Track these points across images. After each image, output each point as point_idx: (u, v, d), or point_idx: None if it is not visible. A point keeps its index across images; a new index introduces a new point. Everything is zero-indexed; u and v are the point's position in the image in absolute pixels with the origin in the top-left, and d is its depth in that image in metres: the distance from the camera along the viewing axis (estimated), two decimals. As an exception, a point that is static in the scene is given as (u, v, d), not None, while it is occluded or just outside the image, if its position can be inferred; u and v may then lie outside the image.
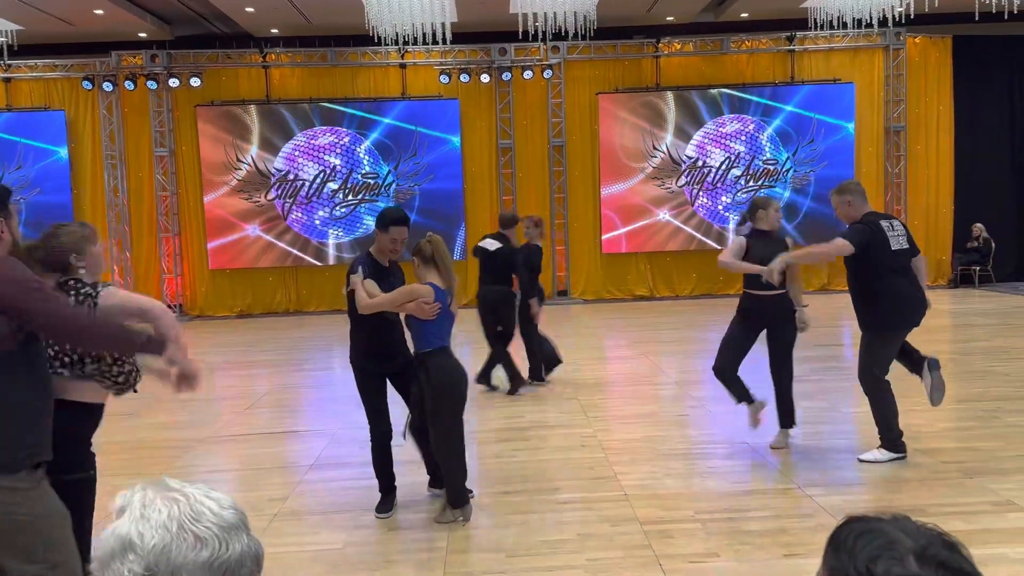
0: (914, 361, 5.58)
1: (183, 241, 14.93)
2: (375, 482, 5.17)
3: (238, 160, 14.59)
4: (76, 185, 14.68)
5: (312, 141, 14.68)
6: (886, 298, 5.19)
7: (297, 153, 14.68)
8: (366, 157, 14.75)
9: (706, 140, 15.00)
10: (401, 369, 4.76)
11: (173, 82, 14.29)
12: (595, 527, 4.41)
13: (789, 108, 14.92)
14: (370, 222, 14.79)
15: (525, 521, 4.60)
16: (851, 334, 11.57)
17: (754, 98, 14.93)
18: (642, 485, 5.04)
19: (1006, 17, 13.18)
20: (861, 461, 5.31)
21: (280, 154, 14.65)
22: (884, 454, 5.31)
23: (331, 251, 14.78)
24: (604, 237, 15.11)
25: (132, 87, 14.31)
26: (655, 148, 14.98)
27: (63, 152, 14.50)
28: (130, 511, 1.10)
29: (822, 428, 6.16)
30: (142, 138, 14.77)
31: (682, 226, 15.07)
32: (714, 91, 14.93)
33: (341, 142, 14.70)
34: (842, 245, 5.11)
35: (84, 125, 14.76)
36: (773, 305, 5.52)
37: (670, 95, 14.92)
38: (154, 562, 1.06)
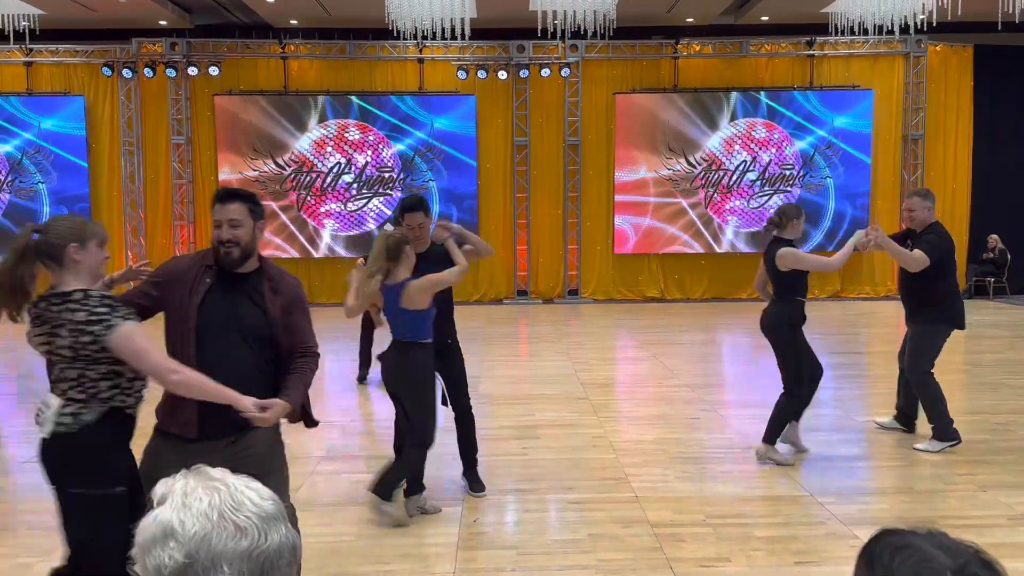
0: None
1: (198, 229, 14.98)
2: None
3: (254, 150, 14.63)
4: (93, 170, 14.75)
5: (328, 133, 14.71)
6: (954, 297, 5.72)
7: (313, 145, 14.71)
8: (381, 151, 14.77)
9: (722, 143, 14.96)
10: (438, 351, 4.72)
11: (192, 70, 14.34)
12: (606, 528, 4.41)
13: (807, 113, 14.85)
14: (377, 216, 14.83)
15: (536, 520, 4.60)
16: (865, 342, 11.54)
17: (772, 102, 14.87)
18: (653, 487, 5.03)
19: (1029, 28, 13.08)
20: (916, 450, 5.64)
21: (296, 145, 14.68)
22: (936, 444, 5.63)
23: (335, 242, 14.80)
24: (616, 237, 15.09)
25: (151, 74, 14.37)
26: (671, 150, 14.95)
27: (82, 137, 14.58)
28: (172, 499, 1.11)
29: (836, 436, 6.14)
30: (160, 125, 14.83)
31: (696, 229, 15.03)
32: (732, 94, 14.88)
33: (357, 135, 14.73)
34: (920, 259, 5.49)
35: (103, 111, 14.83)
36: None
37: (688, 97, 14.87)
38: (195, 549, 1.07)
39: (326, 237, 14.82)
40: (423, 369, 4.45)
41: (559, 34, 13.62)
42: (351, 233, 14.80)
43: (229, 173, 14.61)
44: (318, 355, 3.22)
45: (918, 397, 5.84)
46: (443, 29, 13.03)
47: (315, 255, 14.84)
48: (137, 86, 14.67)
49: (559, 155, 15.11)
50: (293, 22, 14.72)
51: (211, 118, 14.66)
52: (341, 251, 14.79)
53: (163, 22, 14.48)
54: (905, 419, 6.14)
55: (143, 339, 2.76)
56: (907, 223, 5.78)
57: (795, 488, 5.02)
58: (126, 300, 2.96)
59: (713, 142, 14.94)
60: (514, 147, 15.05)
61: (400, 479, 4.54)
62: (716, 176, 14.99)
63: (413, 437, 4.50)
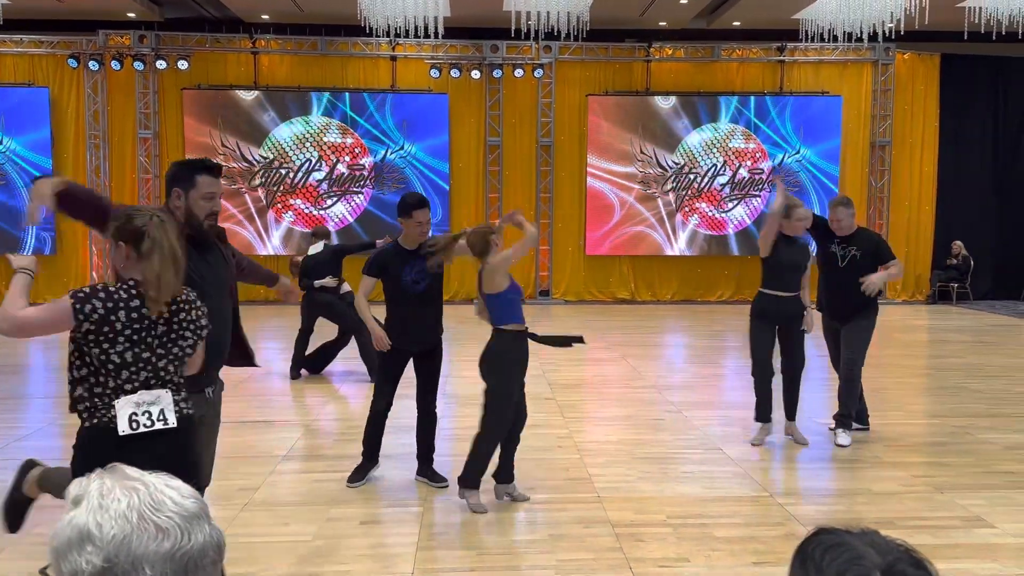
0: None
1: (164, 225, 14.76)
2: (346, 474, 5.15)
3: (223, 145, 14.46)
4: (57, 163, 14.50)
5: (299, 130, 14.58)
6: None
7: (283, 141, 14.57)
8: (352, 148, 14.67)
9: (693, 147, 15.05)
10: (431, 349, 5.01)
11: (160, 64, 14.15)
12: (567, 528, 4.40)
13: (777, 118, 14.99)
14: (340, 222, 14.73)
15: (497, 520, 4.58)
16: (821, 345, 11.65)
17: (743, 107, 14.99)
18: (616, 488, 5.04)
19: (994, 38, 13.31)
20: (840, 446, 5.88)
21: (266, 142, 14.54)
22: (847, 435, 5.97)
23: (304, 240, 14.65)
24: (588, 239, 15.12)
25: (119, 67, 14.15)
26: (643, 152, 15.01)
27: (46, 129, 14.32)
28: (87, 501, 1.07)
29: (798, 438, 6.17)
30: (126, 119, 14.61)
31: (666, 231, 15.11)
32: (703, 98, 14.98)
33: (328, 132, 14.61)
34: (901, 265, 6.10)
35: (68, 103, 14.58)
36: (788, 305, 5.84)
37: (659, 100, 14.95)
38: (114, 553, 1.03)
39: (275, 236, 14.67)
40: (503, 354, 4.56)
41: (533, 35, 13.64)
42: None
43: (197, 168, 14.43)
44: None
45: (847, 389, 5.95)
46: (416, 27, 12.99)
47: (288, 251, 14.71)
48: (104, 79, 14.44)
49: (532, 156, 15.11)
50: (264, 17, 14.58)
51: (179, 113, 14.47)
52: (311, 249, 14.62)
53: (131, 14, 14.27)
54: (859, 417, 6.21)
55: None
56: (837, 231, 5.94)
57: (755, 489, 5.05)
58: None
59: (684, 145, 15.03)
60: (487, 147, 15.02)
61: (481, 468, 4.65)
62: (688, 179, 15.07)
63: (484, 424, 4.65)
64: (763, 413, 5.99)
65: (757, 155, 15.07)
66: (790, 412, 6.02)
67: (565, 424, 6.59)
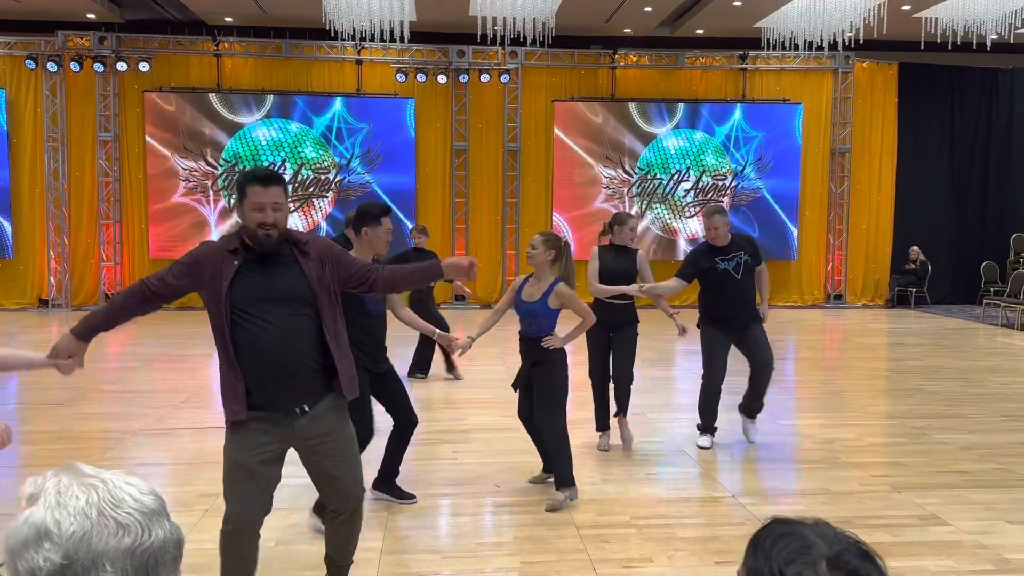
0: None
1: (124, 228, 14.55)
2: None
3: (185, 148, 14.29)
4: (15, 166, 14.21)
5: (263, 133, 14.45)
6: None
7: (246, 144, 14.44)
8: (318, 152, 14.58)
9: (658, 153, 15.19)
10: (385, 370, 4.74)
11: (121, 66, 13.95)
12: (532, 531, 4.41)
13: (740, 125, 15.20)
14: (315, 218, 14.62)
15: (463, 523, 4.58)
16: (794, 348, 11.83)
17: (706, 114, 15.17)
18: (581, 490, 5.06)
19: (950, 47, 13.65)
20: (752, 442, 6.12)
21: (227, 144, 14.39)
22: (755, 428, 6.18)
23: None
24: (554, 244, 15.16)
25: (78, 69, 13.92)
26: (608, 158, 15.12)
27: (1, 132, 14.04)
28: (44, 498, 1.06)
29: (760, 439, 6.25)
30: (86, 122, 14.37)
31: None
32: (668, 104, 15.13)
33: (293, 135, 14.51)
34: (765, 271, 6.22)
35: (26, 105, 14.30)
36: (620, 312, 5.93)
37: (624, 106, 15.07)
38: (73, 550, 1.03)
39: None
40: (555, 352, 4.99)
41: (499, 40, 13.69)
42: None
43: (159, 170, 14.24)
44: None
45: (765, 382, 5.97)
46: (382, 31, 12.97)
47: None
48: (62, 80, 14.19)
49: (498, 161, 15.14)
50: (228, 20, 14.45)
51: (140, 115, 14.27)
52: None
53: (91, 15, 14.05)
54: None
55: None
56: (713, 240, 5.86)
57: (718, 490, 5.11)
58: (155, 282, 3.17)
59: (649, 152, 15.16)
60: (453, 152, 15.02)
61: (566, 465, 4.84)
62: (652, 185, 15.21)
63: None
64: (605, 420, 6.03)
65: (720, 161, 15.25)
66: (622, 407, 6.01)
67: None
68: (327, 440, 3.22)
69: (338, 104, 14.52)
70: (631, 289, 5.88)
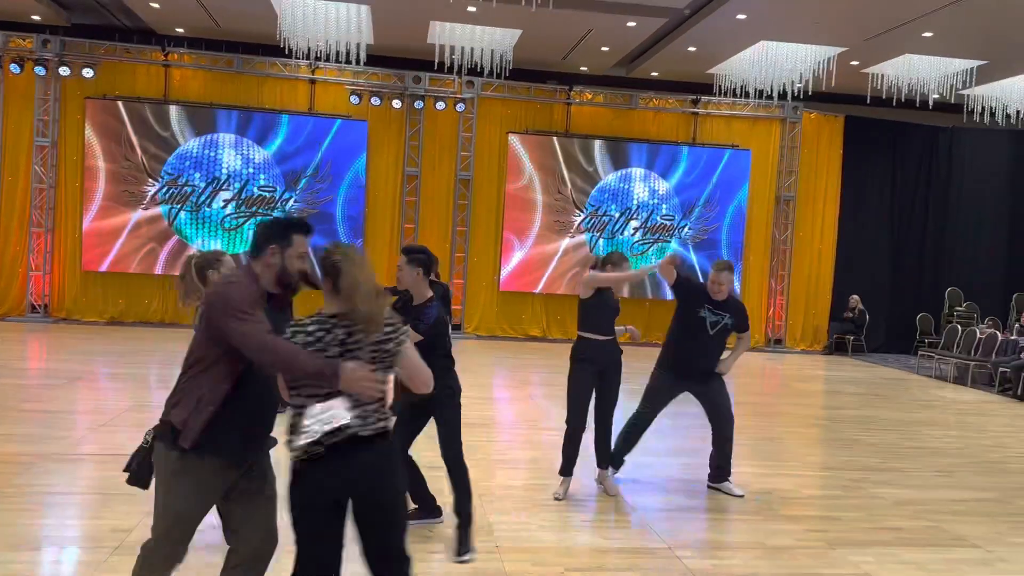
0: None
1: (56, 238, 14.00)
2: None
3: (125, 159, 13.85)
4: (-58, 167, 13.60)
5: (208, 147, 14.10)
6: None
7: (190, 158, 14.06)
8: (264, 170, 14.27)
9: (609, 190, 15.26)
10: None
11: (64, 70, 13.51)
12: (461, 580, 4.23)
13: (689, 167, 15.37)
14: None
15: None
16: (733, 392, 11.86)
17: (657, 155, 15.32)
18: (515, 536, 4.91)
19: (894, 104, 14.06)
20: (737, 496, 6.02)
21: (171, 157, 14.00)
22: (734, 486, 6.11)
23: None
24: (503, 275, 15.09)
25: (19, 71, 13.43)
26: (559, 192, 15.14)
27: (-69, 130, 13.44)
28: None
29: (700, 488, 6.18)
30: (23, 126, 13.84)
31: (580, 271, 15.21)
32: (620, 143, 15.25)
33: (239, 151, 14.18)
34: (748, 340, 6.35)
35: (-41, 104, 13.72)
36: (607, 350, 5.73)
37: (577, 142, 15.14)
38: None
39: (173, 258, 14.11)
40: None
41: (456, 69, 13.64)
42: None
43: (97, 180, 13.78)
44: None
45: (726, 443, 6.01)
46: (338, 52, 12.82)
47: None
48: (1, 82, 13.67)
49: (450, 189, 15.03)
50: (179, 30, 14.14)
51: (81, 122, 13.80)
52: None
53: (36, 17, 13.60)
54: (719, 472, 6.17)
55: None
56: (715, 294, 5.87)
57: (655, 540, 5.00)
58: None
59: (600, 188, 15.23)
60: (404, 177, 14.87)
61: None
62: (601, 222, 15.26)
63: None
64: (571, 464, 5.78)
65: (669, 202, 15.39)
66: (603, 460, 5.92)
67: (471, 466, 6.41)
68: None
69: (288, 123, 14.27)
70: (644, 269, 6.40)
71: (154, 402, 8.24)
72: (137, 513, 4.96)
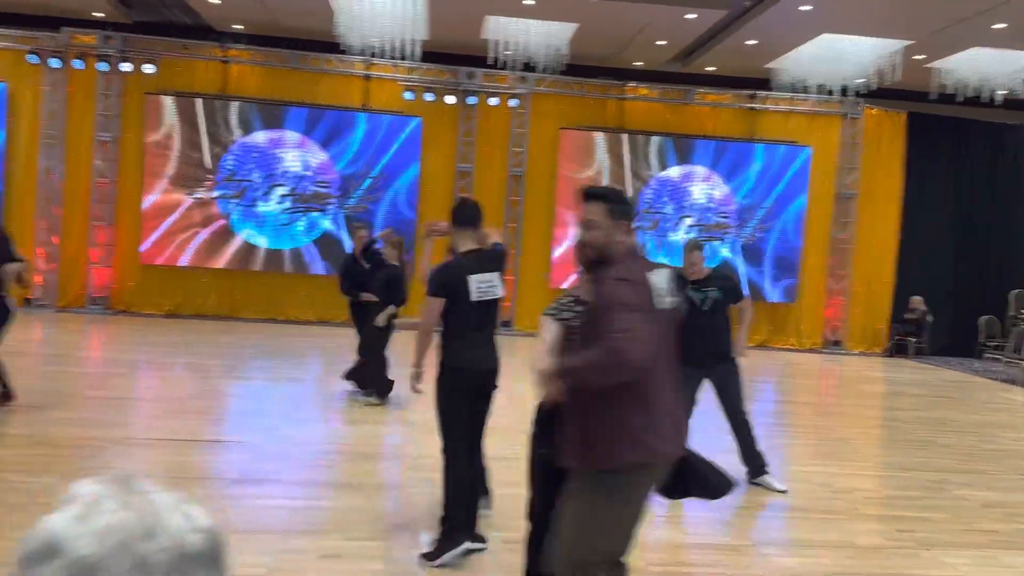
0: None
1: (116, 231, 14.21)
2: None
3: (185, 154, 14.01)
4: (9, 160, 13.89)
5: (264, 143, 14.20)
6: None
7: (247, 153, 14.18)
8: (319, 165, 14.33)
9: (663, 186, 15.04)
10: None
11: (125, 66, 13.71)
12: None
13: (747, 164, 15.08)
14: (310, 232, 14.35)
15: (480, 558, 4.27)
16: (793, 392, 11.59)
17: (712, 151, 15.06)
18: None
19: (959, 100, 13.63)
20: (778, 489, 5.81)
21: (229, 152, 14.12)
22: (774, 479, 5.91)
23: (261, 256, 14.22)
24: (554, 271, 14.95)
25: (82, 66, 13.67)
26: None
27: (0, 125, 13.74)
28: (73, 505, 0.82)
29: (778, 485, 5.98)
30: (85, 121, 14.07)
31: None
32: (675, 139, 15.02)
33: (294, 147, 14.26)
34: (749, 302, 6.18)
35: (24, 100, 14.00)
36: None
37: (632, 138, 14.94)
38: None
39: (260, 252, 14.23)
40: None
41: (509, 64, 13.56)
42: (282, 248, 14.25)
43: (157, 176, 13.96)
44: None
45: (744, 433, 5.83)
46: (393, 48, 12.81)
47: (244, 266, 14.22)
48: (64, 77, 13.92)
49: (502, 185, 14.94)
50: (237, 27, 14.27)
51: (141, 117, 14.00)
52: (259, 265, 14.22)
53: (99, 14, 13.83)
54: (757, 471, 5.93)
55: None
56: (691, 275, 5.84)
57: (736, 537, 4.83)
58: None
59: (654, 185, 15.01)
60: (457, 173, 14.82)
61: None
62: (654, 219, 15.04)
63: None
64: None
65: (724, 199, 15.12)
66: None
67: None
68: None
69: (343, 118, 14.30)
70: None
71: (215, 390, 8.27)
72: (209, 497, 4.93)
